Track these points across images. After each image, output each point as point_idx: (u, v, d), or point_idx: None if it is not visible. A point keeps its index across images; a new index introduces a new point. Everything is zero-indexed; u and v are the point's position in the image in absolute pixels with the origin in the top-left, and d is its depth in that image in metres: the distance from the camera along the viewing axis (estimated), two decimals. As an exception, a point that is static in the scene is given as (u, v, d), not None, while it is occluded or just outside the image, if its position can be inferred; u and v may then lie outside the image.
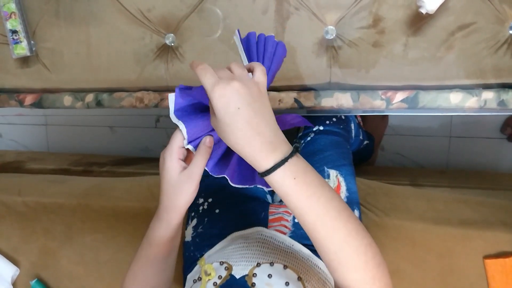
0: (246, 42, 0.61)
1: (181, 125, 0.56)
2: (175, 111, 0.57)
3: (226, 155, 0.59)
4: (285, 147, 0.49)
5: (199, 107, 0.58)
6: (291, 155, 0.48)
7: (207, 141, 0.56)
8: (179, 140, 0.56)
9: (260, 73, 0.51)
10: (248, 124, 0.47)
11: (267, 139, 0.48)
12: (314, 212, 0.48)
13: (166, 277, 0.68)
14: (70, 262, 0.99)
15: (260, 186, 0.60)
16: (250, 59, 0.59)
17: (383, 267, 0.52)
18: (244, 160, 0.50)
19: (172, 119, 0.57)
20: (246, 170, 0.59)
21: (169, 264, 0.67)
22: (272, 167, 0.47)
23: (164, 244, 0.61)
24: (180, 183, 0.56)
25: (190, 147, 0.57)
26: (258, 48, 0.60)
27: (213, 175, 0.58)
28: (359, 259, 0.50)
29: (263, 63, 0.59)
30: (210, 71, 0.48)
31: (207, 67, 0.48)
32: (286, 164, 0.47)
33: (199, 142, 0.57)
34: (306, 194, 0.48)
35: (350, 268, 0.50)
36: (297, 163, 0.48)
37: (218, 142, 0.58)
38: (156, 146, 1.68)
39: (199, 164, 0.55)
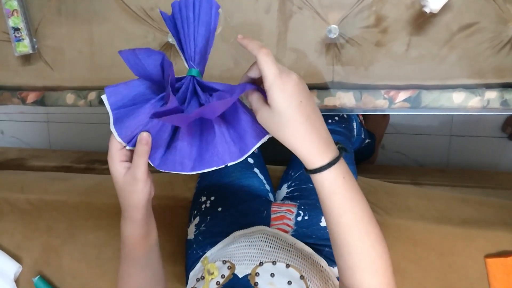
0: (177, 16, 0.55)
1: (112, 129, 0.54)
2: (114, 113, 0.54)
3: (171, 146, 0.55)
4: (335, 146, 0.49)
5: (128, 103, 0.55)
6: (341, 154, 0.48)
7: (143, 138, 0.52)
8: (116, 143, 0.54)
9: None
10: (309, 119, 0.46)
11: (323, 136, 0.48)
12: (353, 213, 0.49)
13: (152, 275, 0.66)
14: (73, 259, 1.00)
15: (230, 164, 0.54)
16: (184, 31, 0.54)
17: (392, 273, 0.53)
18: (201, 143, 0.52)
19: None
20: (205, 152, 0.54)
21: (151, 261, 0.65)
22: (326, 164, 0.47)
23: (136, 242, 0.61)
24: (126, 185, 0.55)
25: (129, 147, 0.55)
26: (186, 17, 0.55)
27: (161, 170, 0.55)
28: (381, 264, 0.51)
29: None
30: (273, 59, 0.46)
31: (269, 53, 0.46)
32: (338, 163, 0.47)
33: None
34: (350, 194, 0.49)
35: (371, 273, 0.51)
36: (344, 164, 0.49)
37: (157, 134, 0.54)
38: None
39: (139, 164, 0.52)
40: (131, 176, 0.54)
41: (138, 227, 0.59)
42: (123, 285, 0.66)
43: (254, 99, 0.50)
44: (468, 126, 1.47)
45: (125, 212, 0.59)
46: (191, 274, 0.75)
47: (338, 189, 0.48)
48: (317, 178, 0.48)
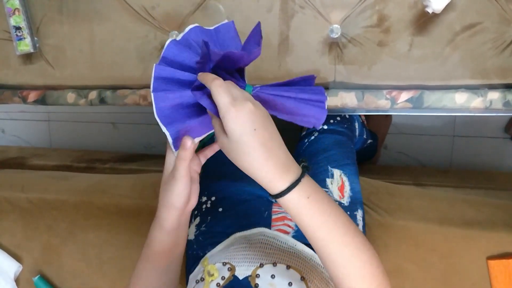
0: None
1: (164, 130, 0.55)
2: (158, 109, 0.54)
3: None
4: (296, 167, 0.50)
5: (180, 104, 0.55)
6: (303, 175, 0.49)
7: (185, 143, 0.53)
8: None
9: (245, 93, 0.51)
10: (263, 146, 0.47)
11: (281, 160, 0.48)
12: (326, 228, 0.50)
13: (167, 281, 0.67)
14: (73, 259, 0.99)
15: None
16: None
17: (383, 273, 0.54)
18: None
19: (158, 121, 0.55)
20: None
21: (171, 270, 0.66)
22: (287, 188, 0.48)
23: (161, 250, 0.61)
24: (167, 181, 0.57)
25: (174, 151, 0.56)
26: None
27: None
28: (366, 270, 0.51)
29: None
30: (225, 89, 0.47)
31: (222, 84, 0.47)
32: (300, 184, 0.48)
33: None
34: (318, 211, 0.49)
35: (358, 279, 0.51)
36: (308, 182, 0.50)
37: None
38: (159, 142, 1.68)
39: (178, 167, 0.54)
40: (172, 175, 0.56)
41: (166, 235, 0.60)
42: (136, 283, 0.65)
43: (216, 127, 0.51)
44: (471, 127, 1.46)
45: (158, 212, 0.59)
46: (191, 276, 0.75)
47: (304, 210, 0.49)
48: (281, 202, 0.49)
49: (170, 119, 0.54)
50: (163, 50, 0.55)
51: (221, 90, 0.47)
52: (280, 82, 0.56)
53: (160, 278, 0.65)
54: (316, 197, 0.49)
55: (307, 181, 0.49)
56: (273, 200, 0.88)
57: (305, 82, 0.57)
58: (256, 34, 0.55)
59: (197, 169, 0.60)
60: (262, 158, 0.47)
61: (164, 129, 0.55)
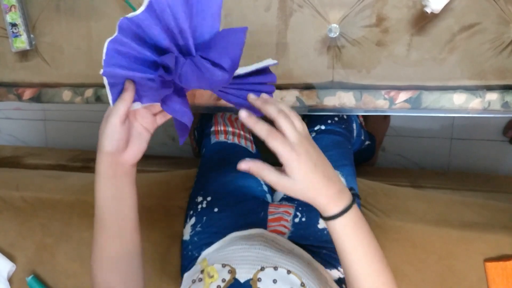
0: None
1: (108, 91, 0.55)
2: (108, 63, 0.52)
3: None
4: (348, 193, 0.54)
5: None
6: (354, 202, 0.54)
7: (129, 85, 0.54)
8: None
9: (300, 124, 0.53)
10: (324, 176, 0.52)
11: (337, 186, 0.53)
12: (362, 254, 0.54)
13: (124, 248, 0.61)
14: (67, 258, 0.98)
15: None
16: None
17: None
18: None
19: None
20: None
21: (124, 232, 0.61)
22: (339, 212, 0.52)
23: (105, 204, 0.58)
24: (102, 124, 0.55)
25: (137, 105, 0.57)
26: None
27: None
28: None
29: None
30: (280, 137, 0.50)
31: (274, 132, 0.50)
32: (350, 210, 0.53)
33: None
34: (360, 238, 0.54)
35: None
36: (356, 209, 0.54)
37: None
38: (155, 142, 1.67)
39: (116, 108, 0.54)
40: (106, 117, 0.55)
41: (103, 184, 0.57)
42: (94, 257, 0.62)
43: (272, 177, 0.52)
44: (469, 130, 1.46)
45: (96, 160, 0.57)
46: (186, 275, 0.74)
47: (348, 234, 0.54)
48: (329, 224, 0.54)
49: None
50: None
51: (279, 141, 0.50)
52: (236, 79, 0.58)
53: (113, 242, 0.60)
54: (361, 225, 0.54)
55: (355, 209, 0.54)
56: (269, 201, 0.88)
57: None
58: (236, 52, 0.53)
59: (149, 127, 0.60)
60: (324, 186, 0.52)
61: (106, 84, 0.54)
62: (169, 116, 0.62)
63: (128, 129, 0.56)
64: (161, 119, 0.61)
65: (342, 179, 0.85)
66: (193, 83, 0.53)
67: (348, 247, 0.54)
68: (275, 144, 0.50)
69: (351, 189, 0.56)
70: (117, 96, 0.55)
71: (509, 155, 1.43)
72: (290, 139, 0.50)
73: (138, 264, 0.64)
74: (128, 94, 0.54)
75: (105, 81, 0.54)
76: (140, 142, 0.59)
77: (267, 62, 0.60)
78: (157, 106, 0.60)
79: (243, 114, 0.51)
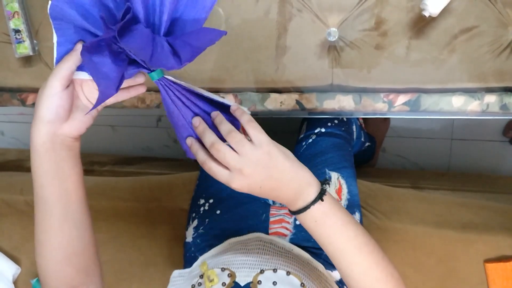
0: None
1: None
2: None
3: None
4: (310, 194, 0.53)
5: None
6: (313, 203, 0.52)
7: (78, 46, 0.49)
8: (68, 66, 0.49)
9: (256, 133, 0.51)
10: (273, 191, 0.52)
11: (292, 192, 0.53)
12: (333, 247, 0.54)
13: (74, 234, 0.55)
14: (71, 261, 0.99)
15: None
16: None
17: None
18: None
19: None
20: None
21: (72, 216, 0.54)
22: (295, 211, 0.53)
23: (42, 178, 0.52)
24: (40, 89, 0.49)
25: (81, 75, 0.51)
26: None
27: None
28: (381, 287, 0.54)
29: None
30: (218, 168, 0.50)
31: (211, 164, 0.50)
32: (308, 210, 0.53)
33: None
34: (325, 233, 0.54)
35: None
36: (320, 208, 0.53)
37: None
38: (158, 145, 1.68)
39: (58, 68, 0.48)
40: (46, 81, 0.49)
41: (39, 157, 0.51)
42: (40, 251, 0.55)
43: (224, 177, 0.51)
44: (469, 130, 1.46)
45: (31, 128, 0.51)
46: (177, 273, 0.75)
47: (312, 230, 0.54)
48: (298, 218, 0.54)
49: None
50: None
51: (216, 171, 0.50)
52: (191, 91, 0.54)
53: (61, 227, 0.53)
54: (326, 222, 0.53)
55: (319, 207, 0.53)
56: (270, 203, 0.89)
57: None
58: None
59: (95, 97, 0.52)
60: (273, 197, 0.53)
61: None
62: (123, 97, 0.55)
63: (71, 97, 0.50)
64: (111, 99, 0.53)
65: (343, 181, 0.85)
66: (134, 44, 0.46)
67: (317, 239, 0.54)
68: (212, 174, 0.51)
69: (324, 181, 0.55)
70: (62, 56, 0.49)
71: (509, 155, 1.43)
72: (229, 165, 0.49)
73: (93, 253, 0.58)
74: (75, 55, 0.48)
75: (53, 28, 0.48)
76: (85, 116, 0.53)
77: (228, 101, 0.56)
78: None
79: (189, 141, 0.53)
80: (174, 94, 0.53)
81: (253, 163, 0.49)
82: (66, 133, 0.52)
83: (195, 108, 0.54)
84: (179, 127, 0.55)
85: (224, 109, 0.56)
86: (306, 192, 0.53)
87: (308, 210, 0.52)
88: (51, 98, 0.48)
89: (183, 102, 0.53)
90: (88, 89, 0.53)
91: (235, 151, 0.49)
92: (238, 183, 0.50)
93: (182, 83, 0.54)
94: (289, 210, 0.55)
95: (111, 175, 1.26)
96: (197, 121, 0.53)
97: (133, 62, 0.51)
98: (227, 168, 0.50)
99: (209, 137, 0.51)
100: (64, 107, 0.50)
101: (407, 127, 1.50)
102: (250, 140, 0.51)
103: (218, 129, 0.52)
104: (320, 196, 0.53)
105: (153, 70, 0.51)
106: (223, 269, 0.64)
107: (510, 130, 1.38)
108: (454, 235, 0.84)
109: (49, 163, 0.51)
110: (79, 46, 0.49)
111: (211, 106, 0.55)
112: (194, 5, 0.52)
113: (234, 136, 0.50)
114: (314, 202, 0.52)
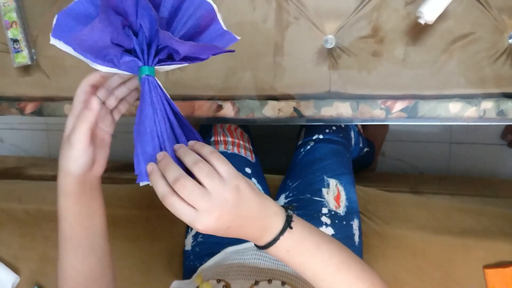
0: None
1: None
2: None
3: None
4: (277, 225, 0.49)
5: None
6: (281, 233, 0.49)
7: (93, 102, 0.50)
8: (82, 93, 0.52)
9: (222, 165, 0.46)
10: (240, 228, 0.47)
11: (258, 228, 0.48)
12: (311, 272, 0.51)
13: (97, 264, 0.59)
14: (70, 269, 0.99)
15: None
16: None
17: None
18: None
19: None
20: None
21: (96, 247, 0.58)
22: (264, 246, 0.49)
23: (74, 220, 0.55)
24: (63, 145, 0.51)
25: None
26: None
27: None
28: None
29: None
30: (183, 205, 0.44)
31: (177, 203, 0.44)
32: (278, 242, 0.48)
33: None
34: (300, 260, 0.50)
35: None
36: (290, 237, 0.49)
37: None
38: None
39: (78, 128, 0.50)
40: (67, 139, 0.50)
41: (72, 202, 0.53)
42: (63, 277, 0.58)
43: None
44: (468, 134, 1.46)
45: (58, 181, 0.53)
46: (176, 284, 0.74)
47: (286, 260, 0.50)
48: (267, 252, 0.50)
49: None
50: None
51: (178, 207, 0.44)
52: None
53: (85, 260, 0.57)
54: (298, 249, 0.50)
55: (288, 236, 0.49)
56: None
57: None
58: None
59: (109, 129, 0.55)
60: (240, 235, 0.48)
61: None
62: (127, 106, 0.56)
63: (93, 145, 0.52)
64: (118, 114, 0.56)
65: (341, 188, 0.85)
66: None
67: (295, 269, 0.51)
68: (174, 210, 0.44)
69: (288, 207, 0.51)
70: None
71: (508, 158, 1.44)
72: (194, 205, 0.44)
73: (111, 277, 0.61)
74: (92, 111, 0.49)
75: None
76: (105, 150, 0.55)
77: (196, 134, 0.53)
78: (114, 80, 0.55)
79: (149, 167, 0.48)
80: (156, 97, 0.50)
81: (222, 202, 0.44)
82: (94, 176, 0.55)
83: (166, 123, 0.50)
84: (145, 136, 0.49)
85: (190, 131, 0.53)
86: (273, 223, 0.49)
87: (278, 241, 0.48)
88: (79, 157, 0.50)
89: (160, 110, 0.50)
90: (101, 120, 0.55)
91: (202, 185, 0.44)
92: (205, 224, 0.43)
93: (166, 93, 0.52)
94: (257, 246, 0.50)
95: (110, 182, 1.26)
96: (161, 155, 0.48)
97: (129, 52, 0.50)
98: (191, 206, 0.44)
99: (173, 171, 0.45)
100: (89, 158, 0.52)
101: (406, 131, 1.51)
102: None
103: (183, 161, 0.47)
104: (288, 224, 0.49)
105: (147, 65, 0.50)
106: (218, 281, 0.64)
107: (508, 134, 1.39)
108: (453, 241, 0.84)
109: (80, 205, 0.54)
110: (93, 101, 0.49)
111: (179, 129, 0.52)
112: (214, 36, 0.53)
113: (202, 167, 0.45)
114: (282, 231, 0.49)
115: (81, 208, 0.55)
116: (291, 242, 0.49)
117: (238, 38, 0.54)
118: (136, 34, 0.50)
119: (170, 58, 0.52)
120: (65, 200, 0.54)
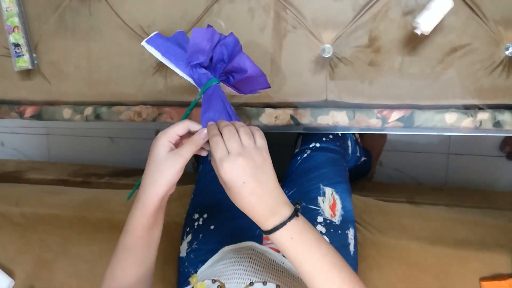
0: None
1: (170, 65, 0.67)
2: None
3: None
4: (285, 211, 0.54)
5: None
6: (289, 219, 0.53)
7: (203, 133, 0.58)
8: (179, 128, 0.59)
9: (260, 138, 0.56)
10: (252, 194, 0.53)
11: (268, 206, 0.54)
12: (309, 265, 0.54)
13: (144, 273, 0.64)
14: (65, 274, 0.99)
15: None
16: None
17: None
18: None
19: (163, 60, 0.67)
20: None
21: (148, 259, 0.64)
22: (271, 229, 0.53)
23: (141, 233, 0.60)
24: (165, 160, 0.57)
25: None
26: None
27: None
28: None
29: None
30: (220, 143, 0.54)
31: (218, 140, 0.54)
32: (284, 227, 0.53)
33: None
34: (301, 250, 0.54)
35: None
36: (296, 224, 0.54)
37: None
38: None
39: (189, 148, 0.57)
40: (175, 153, 0.57)
41: (147, 215, 0.59)
42: (111, 284, 0.62)
43: (214, 169, 0.55)
44: (466, 145, 1.46)
45: (142, 194, 0.58)
46: None
47: (287, 248, 0.54)
48: (271, 237, 0.54)
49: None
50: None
51: (217, 145, 0.54)
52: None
53: (137, 270, 0.63)
54: (301, 239, 0.54)
55: (294, 223, 0.54)
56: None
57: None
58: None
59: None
60: (250, 205, 0.53)
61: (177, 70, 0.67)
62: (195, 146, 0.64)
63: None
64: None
65: (337, 196, 0.85)
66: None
67: (292, 258, 0.54)
68: (212, 148, 0.54)
69: (296, 203, 0.56)
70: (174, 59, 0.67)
71: (506, 170, 1.43)
72: (229, 149, 0.53)
73: (150, 279, 0.67)
74: (202, 139, 0.58)
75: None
76: (180, 170, 0.61)
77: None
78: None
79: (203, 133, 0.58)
80: (220, 96, 0.64)
81: (249, 157, 0.53)
82: (170, 193, 0.61)
83: (224, 111, 0.64)
84: (211, 116, 0.63)
85: None
86: (282, 209, 0.54)
87: (285, 227, 0.53)
88: (173, 178, 0.57)
89: (222, 102, 0.64)
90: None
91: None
92: (228, 166, 0.52)
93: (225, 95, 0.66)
94: (263, 231, 0.55)
95: (108, 187, 1.26)
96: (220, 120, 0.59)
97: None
98: (226, 149, 0.53)
99: (226, 123, 0.57)
100: (178, 174, 0.58)
101: (404, 141, 1.51)
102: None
103: (233, 125, 0.57)
104: (296, 213, 0.54)
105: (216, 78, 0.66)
106: (213, 281, 0.65)
107: (506, 146, 1.38)
108: (449, 252, 0.83)
109: (152, 218, 0.60)
110: (204, 132, 0.58)
111: (233, 116, 0.66)
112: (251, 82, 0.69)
113: (246, 131, 0.55)
114: (290, 218, 0.53)
115: (151, 221, 0.60)
116: (296, 229, 0.54)
117: (270, 86, 0.73)
118: (211, 58, 0.66)
119: (227, 80, 0.68)
120: (142, 213, 0.59)
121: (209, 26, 0.66)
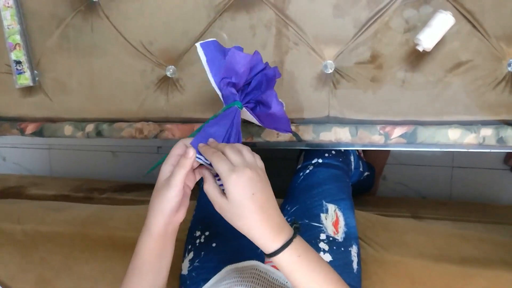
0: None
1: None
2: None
3: None
4: (288, 228, 0.55)
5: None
6: (295, 235, 0.54)
7: (189, 153, 0.57)
8: (177, 149, 0.59)
9: (259, 159, 0.57)
10: (261, 209, 0.52)
11: (275, 221, 0.54)
12: (315, 284, 0.54)
13: None
14: (67, 292, 0.98)
15: None
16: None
17: None
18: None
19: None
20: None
21: (157, 284, 0.64)
22: (280, 248, 0.53)
23: (147, 258, 0.61)
24: (161, 188, 0.57)
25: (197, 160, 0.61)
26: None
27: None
28: None
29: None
30: (223, 157, 0.54)
31: (220, 155, 0.54)
32: (292, 244, 0.53)
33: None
34: (308, 269, 0.54)
35: None
36: (299, 243, 0.54)
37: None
38: (158, 172, 1.68)
39: (177, 173, 0.56)
40: (167, 181, 0.57)
41: (153, 241, 0.59)
42: None
43: (210, 190, 0.56)
44: (470, 158, 1.46)
45: (147, 221, 0.59)
46: None
47: (295, 267, 0.54)
48: (274, 260, 0.54)
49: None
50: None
51: (218, 159, 0.54)
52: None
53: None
54: (307, 256, 0.54)
55: (298, 241, 0.54)
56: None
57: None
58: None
59: (191, 184, 0.62)
60: (258, 220, 0.52)
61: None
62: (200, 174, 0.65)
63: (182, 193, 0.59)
64: (198, 175, 0.63)
65: (340, 213, 0.85)
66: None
67: (299, 281, 0.54)
68: (216, 160, 0.53)
69: (293, 222, 0.57)
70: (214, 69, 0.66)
71: (510, 183, 1.42)
72: (233, 162, 0.53)
73: None
74: (189, 160, 0.56)
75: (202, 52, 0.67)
76: (186, 200, 0.61)
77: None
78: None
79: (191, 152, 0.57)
80: (236, 120, 0.64)
81: (255, 170, 0.54)
82: (177, 220, 0.61)
83: (234, 135, 0.64)
84: (218, 134, 0.63)
85: None
86: (284, 228, 0.54)
87: (292, 243, 0.52)
88: (174, 198, 0.56)
89: (235, 127, 0.64)
90: (188, 178, 0.60)
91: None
92: (238, 177, 0.51)
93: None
94: (268, 255, 0.54)
95: (110, 203, 1.26)
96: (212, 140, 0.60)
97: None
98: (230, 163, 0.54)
99: (220, 143, 0.59)
100: (179, 201, 0.58)
101: (408, 155, 1.50)
102: None
103: (205, 155, 0.58)
104: (298, 230, 0.54)
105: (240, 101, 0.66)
106: None
107: (510, 159, 1.38)
108: (453, 269, 0.82)
109: (159, 245, 0.60)
110: (191, 153, 0.57)
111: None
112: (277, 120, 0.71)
113: (248, 150, 0.57)
114: (295, 234, 0.54)
115: (158, 248, 0.60)
116: (302, 247, 0.54)
117: (291, 131, 0.78)
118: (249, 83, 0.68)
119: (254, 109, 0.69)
120: (148, 238, 0.60)
121: (237, 47, 0.67)
